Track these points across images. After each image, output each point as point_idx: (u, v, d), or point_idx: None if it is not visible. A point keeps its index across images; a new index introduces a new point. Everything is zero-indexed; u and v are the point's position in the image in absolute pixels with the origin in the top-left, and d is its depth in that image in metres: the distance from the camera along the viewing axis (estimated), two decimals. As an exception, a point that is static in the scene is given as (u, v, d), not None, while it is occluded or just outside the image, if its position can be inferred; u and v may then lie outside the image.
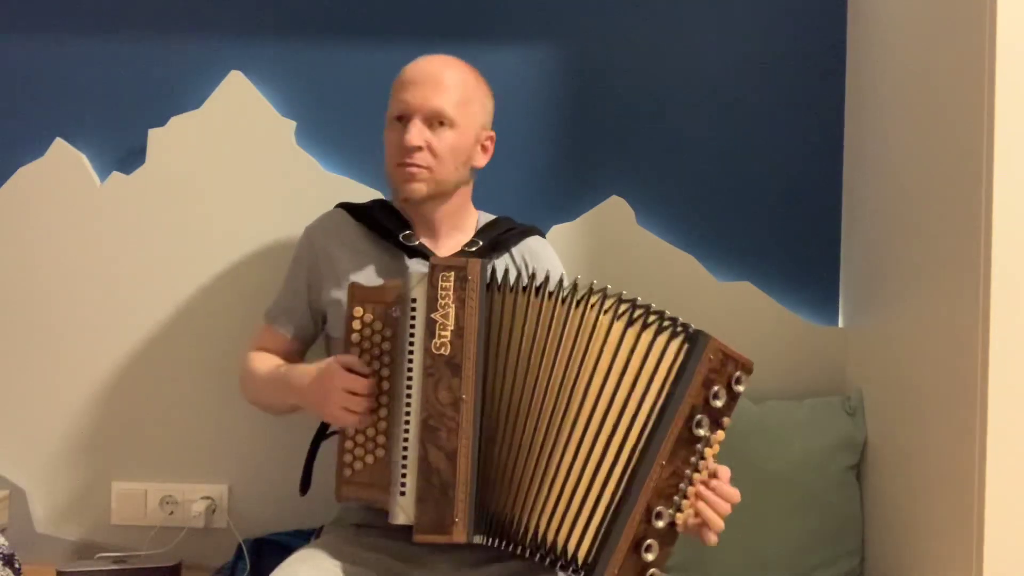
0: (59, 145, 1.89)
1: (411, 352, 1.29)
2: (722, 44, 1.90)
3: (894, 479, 1.60)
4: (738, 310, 1.85)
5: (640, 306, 1.27)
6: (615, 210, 1.88)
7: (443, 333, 1.28)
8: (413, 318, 1.29)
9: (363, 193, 1.81)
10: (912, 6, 1.55)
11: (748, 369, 1.27)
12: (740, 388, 1.26)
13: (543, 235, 1.70)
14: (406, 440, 1.28)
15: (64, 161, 1.89)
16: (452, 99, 1.51)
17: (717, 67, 1.90)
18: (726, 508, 1.28)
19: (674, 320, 1.27)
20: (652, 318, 1.27)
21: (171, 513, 1.86)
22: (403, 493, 1.27)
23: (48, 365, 1.88)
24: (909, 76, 1.56)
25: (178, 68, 1.91)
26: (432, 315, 1.28)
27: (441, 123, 1.51)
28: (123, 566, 1.75)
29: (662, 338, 1.26)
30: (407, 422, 1.28)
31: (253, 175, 1.87)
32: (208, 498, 1.85)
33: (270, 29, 1.91)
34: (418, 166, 1.50)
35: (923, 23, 1.50)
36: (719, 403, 1.25)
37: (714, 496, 1.27)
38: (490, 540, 1.29)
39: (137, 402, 1.88)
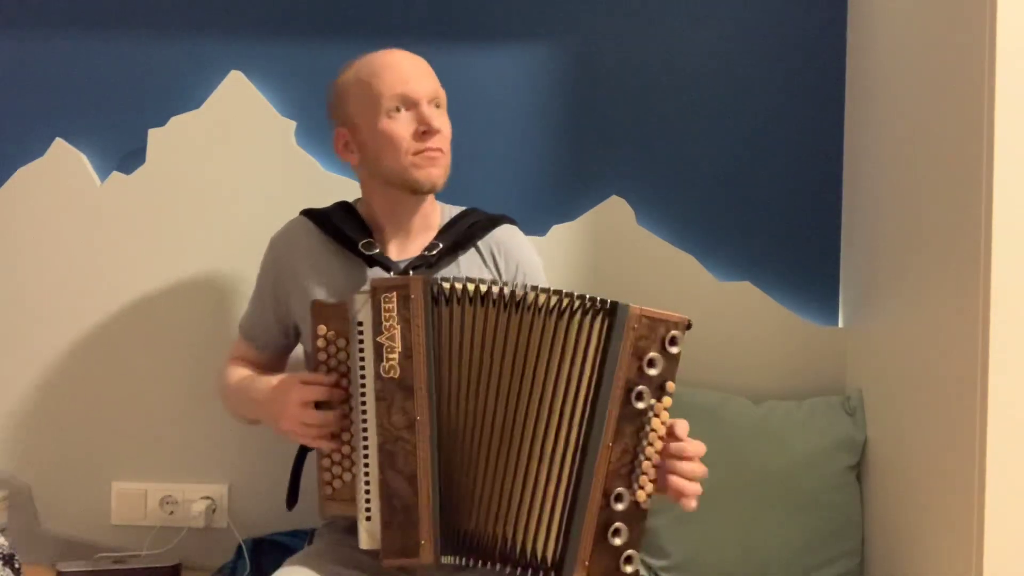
0: (59, 145, 1.89)
1: (363, 377, 1.27)
2: (723, 44, 1.90)
3: (894, 479, 1.60)
4: (738, 310, 1.85)
5: (567, 294, 1.24)
6: (615, 210, 1.88)
7: (391, 356, 1.25)
8: (361, 342, 1.27)
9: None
10: (912, 6, 1.55)
11: (681, 326, 1.24)
12: (675, 349, 1.23)
13: (514, 223, 1.63)
14: (367, 465, 1.26)
15: (64, 161, 1.89)
16: (438, 84, 1.50)
17: (717, 67, 1.90)
18: (697, 469, 1.25)
19: (594, 300, 1.24)
20: (577, 303, 1.24)
21: (171, 513, 1.86)
22: (368, 518, 1.26)
23: (48, 365, 1.88)
24: (909, 76, 1.56)
25: (178, 68, 1.91)
26: (378, 338, 1.25)
27: (437, 107, 1.48)
28: (123, 566, 1.76)
29: (584, 321, 1.24)
30: (366, 447, 1.26)
31: (253, 175, 1.88)
32: (208, 498, 1.85)
33: (270, 29, 1.91)
34: (440, 150, 1.46)
35: (923, 23, 1.50)
36: (655, 370, 1.23)
37: (678, 462, 1.24)
38: (463, 559, 1.27)
39: (137, 402, 1.88)
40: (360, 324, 1.27)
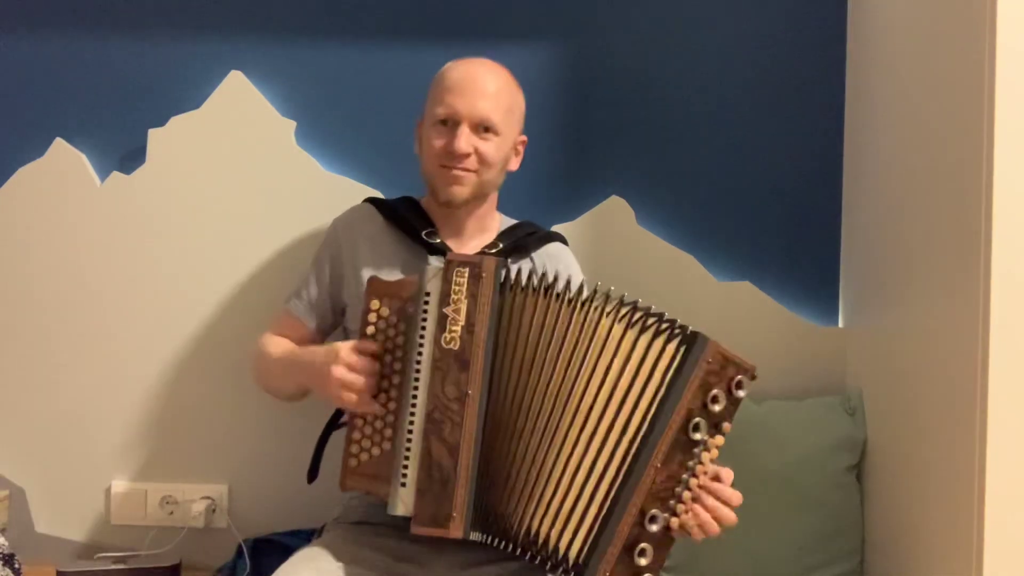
0: (59, 145, 1.89)
1: (421, 344, 1.30)
2: (722, 44, 1.90)
3: (894, 479, 1.60)
4: (738, 310, 1.85)
5: (640, 308, 1.28)
6: (615, 210, 1.88)
7: (453, 328, 1.29)
8: (425, 311, 1.30)
9: (362, 193, 1.80)
10: (912, 7, 1.55)
11: (750, 373, 1.26)
12: (741, 393, 1.25)
13: (565, 242, 1.70)
14: (410, 432, 1.29)
15: (64, 161, 1.89)
16: (499, 107, 1.53)
17: (717, 67, 1.90)
18: (727, 514, 1.27)
19: (673, 322, 1.27)
20: (651, 320, 1.27)
21: (171, 513, 1.86)
22: (404, 484, 1.28)
23: (48, 365, 1.88)
24: (909, 77, 1.56)
25: (178, 68, 1.91)
26: (444, 309, 1.29)
27: (487, 129, 1.52)
28: (123, 566, 1.75)
29: (659, 340, 1.26)
30: (412, 414, 1.29)
31: (253, 175, 1.87)
32: (208, 498, 1.85)
33: (270, 29, 1.91)
34: (465, 170, 1.52)
35: (923, 23, 1.50)
36: (718, 407, 1.24)
37: (714, 501, 1.26)
38: (488, 538, 1.29)
39: (137, 402, 1.88)
40: (427, 294, 1.31)
